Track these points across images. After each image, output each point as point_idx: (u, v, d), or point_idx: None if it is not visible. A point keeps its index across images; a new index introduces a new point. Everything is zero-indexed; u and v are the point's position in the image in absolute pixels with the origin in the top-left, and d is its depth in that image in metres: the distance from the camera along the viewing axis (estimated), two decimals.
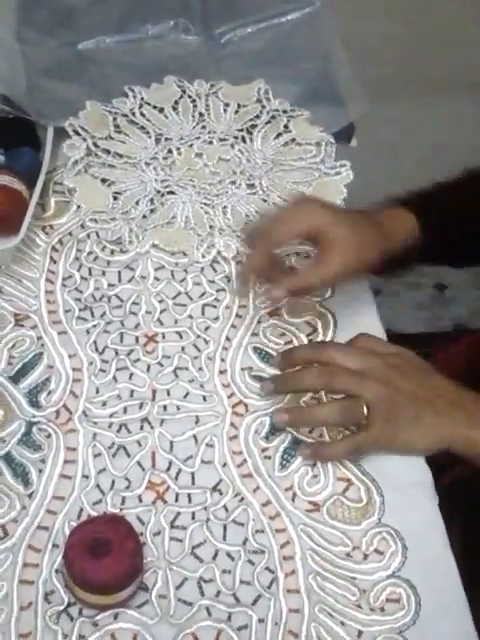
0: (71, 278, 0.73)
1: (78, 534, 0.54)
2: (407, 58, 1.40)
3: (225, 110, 0.89)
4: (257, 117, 0.89)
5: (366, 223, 0.68)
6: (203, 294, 0.73)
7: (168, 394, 0.66)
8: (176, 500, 0.60)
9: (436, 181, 0.76)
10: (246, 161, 0.84)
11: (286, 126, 0.88)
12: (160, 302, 0.72)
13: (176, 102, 0.90)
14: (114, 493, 0.60)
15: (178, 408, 0.65)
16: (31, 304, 0.71)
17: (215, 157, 0.84)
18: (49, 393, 0.65)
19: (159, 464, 0.62)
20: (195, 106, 0.90)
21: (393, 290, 1.67)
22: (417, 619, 0.55)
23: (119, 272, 0.74)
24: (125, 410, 0.65)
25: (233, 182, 0.82)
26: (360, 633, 0.54)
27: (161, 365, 0.68)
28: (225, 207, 0.80)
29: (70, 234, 0.77)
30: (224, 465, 0.62)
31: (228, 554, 0.58)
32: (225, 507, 0.60)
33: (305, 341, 0.70)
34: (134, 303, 0.72)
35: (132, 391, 0.66)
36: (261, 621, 0.55)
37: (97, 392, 0.66)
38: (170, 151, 0.85)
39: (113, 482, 0.61)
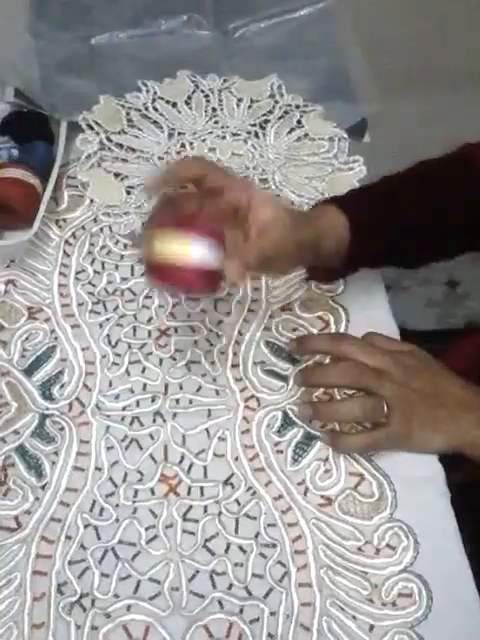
0: (84, 272, 0.74)
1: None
2: (420, 53, 1.40)
3: (238, 105, 0.89)
4: (270, 112, 0.89)
5: (291, 209, 0.66)
6: None
7: (181, 388, 0.66)
8: (188, 493, 0.60)
9: (384, 176, 0.71)
10: (259, 156, 0.84)
11: (299, 121, 0.88)
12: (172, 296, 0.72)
13: (189, 97, 0.90)
14: (127, 486, 0.60)
15: (191, 402, 0.65)
16: (44, 297, 0.72)
17: (228, 152, 0.84)
18: (62, 386, 0.66)
19: (171, 457, 0.62)
20: (208, 101, 0.90)
21: (405, 286, 1.67)
22: (429, 614, 0.55)
23: (132, 266, 0.74)
24: (138, 403, 0.65)
25: (246, 177, 0.82)
26: (372, 627, 0.55)
27: (174, 359, 0.68)
28: None
29: (83, 228, 0.77)
30: (236, 459, 0.62)
31: (240, 547, 0.58)
32: (237, 501, 0.60)
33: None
34: (147, 297, 0.72)
35: (145, 384, 0.66)
36: (273, 614, 0.55)
37: (110, 385, 0.66)
38: (183, 146, 0.85)
39: (126, 475, 0.61)
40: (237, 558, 0.57)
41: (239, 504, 0.60)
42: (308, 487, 0.61)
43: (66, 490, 0.60)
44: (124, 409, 0.65)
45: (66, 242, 0.76)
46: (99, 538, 0.58)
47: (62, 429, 0.63)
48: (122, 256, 0.75)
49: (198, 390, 0.66)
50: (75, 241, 0.76)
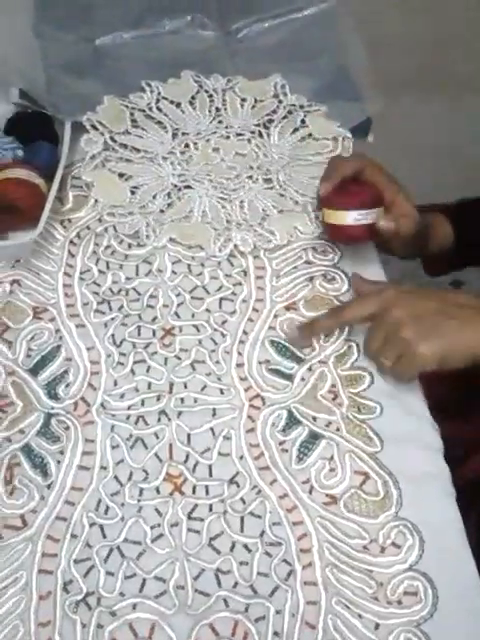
0: (89, 271, 0.74)
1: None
2: (423, 53, 1.40)
3: (242, 105, 0.90)
4: (274, 112, 0.89)
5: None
6: (220, 288, 0.73)
7: (185, 387, 0.66)
8: (193, 492, 0.60)
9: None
10: (263, 156, 0.84)
11: (303, 121, 0.88)
12: (177, 296, 0.72)
13: (193, 97, 0.90)
14: (132, 484, 0.60)
15: (195, 401, 0.65)
16: (49, 297, 0.72)
17: (232, 152, 0.84)
18: (67, 385, 0.66)
19: (176, 456, 0.62)
20: (212, 101, 0.90)
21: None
22: (434, 612, 0.55)
23: (136, 266, 0.75)
24: (143, 402, 0.65)
25: (250, 177, 0.82)
26: (377, 626, 0.55)
27: (178, 358, 0.68)
28: (242, 201, 0.80)
29: (88, 228, 0.77)
30: (241, 458, 0.62)
31: (245, 546, 0.58)
32: (242, 499, 0.60)
33: (322, 336, 0.70)
34: (151, 296, 0.72)
35: (150, 384, 0.66)
36: (278, 612, 0.55)
37: (115, 385, 0.66)
38: (187, 146, 0.85)
39: (131, 474, 0.61)
40: (242, 557, 0.57)
41: (244, 503, 0.60)
42: (313, 486, 0.61)
43: (71, 489, 0.60)
44: (129, 408, 0.65)
45: (71, 242, 0.76)
46: (104, 537, 0.58)
47: (67, 428, 0.63)
48: (126, 256, 0.75)
49: (203, 389, 0.66)
50: (80, 241, 0.76)
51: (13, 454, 0.62)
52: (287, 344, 0.69)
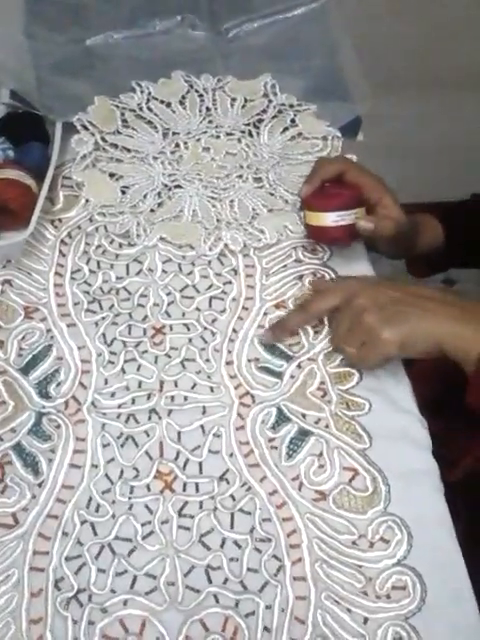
0: (80, 271, 0.74)
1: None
2: (414, 53, 1.40)
3: (232, 105, 0.90)
4: (264, 111, 0.89)
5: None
6: (210, 287, 0.74)
7: (176, 385, 0.67)
8: (184, 489, 0.61)
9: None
10: (253, 155, 0.85)
11: (293, 120, 0.89)
12: (168, 294, 0.73)
13: (183, 97, 0.90)
14: (123, 482, 0.61)
15: (185, 399, 0.66)
16: (40, 297, 0.72)
17: (222, 151, 0.85)
18: (58, 384, 0.66)
19: (167, 454, 0.63)
20: (202, 101, 0.90)
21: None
22: (423, 606, 0.55)
23: (127, 265, 0.75)
24: (133, 401, 0.65)
25: (240, 176, 0.83)
26: (366, 620, 0.55)
27: (169, 357, 0.68)
28: (232, 201, 0.80)
29: (79, 228, 0.78)
30: (231, 455, 0.63)
31: (235, 542, 0.58)
32: (232, 496, 0.60)
33: (311, 333, 0.70)
34: (142, 296, 0.73)
35: (140, 382, 0.67)
36: (268, 608, 0.55)
37: (106, 383, 0.66)
38: (177, 145, 0.85)
39: (122, 471, 0.61)
40: (232, 553, 0.58)
41: (234, 499, 0.60)
42: (302, 482, 0.61)
43: (63, 487, 0.60)
44: (120, 407, 0.65)
45: (62, 242, 0.76)
46: (95, 534, 0.58)
47: (58, 427, 0.64)
48: (117, 255, 0.76)
49: (193, 387, 0.67)
50: (71, 241, 0.77)
51: (4, 453, 0.62)
52: (276, 342, 0.70)
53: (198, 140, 0.86)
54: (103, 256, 0.76)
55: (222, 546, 0.58)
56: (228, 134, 0.87)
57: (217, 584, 0.56)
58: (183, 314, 0.72)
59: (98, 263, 0.75)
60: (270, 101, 0.91)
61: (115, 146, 0.84)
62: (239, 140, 0.86)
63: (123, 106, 0.88)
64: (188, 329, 0.70)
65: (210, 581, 0.57)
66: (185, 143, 0.85)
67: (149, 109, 0.88)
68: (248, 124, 0.88)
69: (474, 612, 0.56)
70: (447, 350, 0.61)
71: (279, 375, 0.67)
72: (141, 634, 0.54)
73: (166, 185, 0.81)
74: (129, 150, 0.84)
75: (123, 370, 0.67)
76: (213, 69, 0.94)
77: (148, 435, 0.63)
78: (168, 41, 0.96)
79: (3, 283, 0.73)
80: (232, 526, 0.59)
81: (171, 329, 0.70)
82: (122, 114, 0.87)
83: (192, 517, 0.59)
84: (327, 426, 0.64)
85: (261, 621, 0.55)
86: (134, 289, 0.73)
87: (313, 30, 0.97)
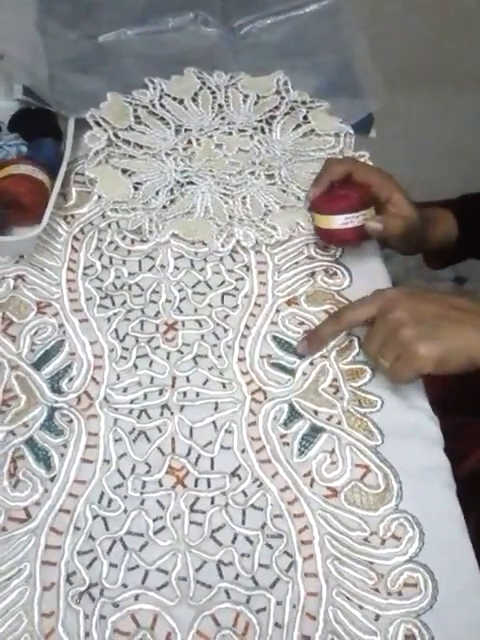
0: (92, 267, 0.74)
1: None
2: (426, 49, 1.40)
3: (244, 101, 0.90)
4: (276, 108, 0.89)
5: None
6: (222, 283, 0.74)
7: (188, 381, 0.67)
8: (195, 485, 0.61)
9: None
10: (265, 152, 0.85)
11: (305, 117, 0.89)
12: (180, 291, 0.73)
13: (196, 93, 0.90)
14: (135, 477, 0.61)
15: (198, 395, 0.66)
16: (53, 292, 0.72)
17: (234, 148, 0.85)
18: (71, 379, 0.66)
19: (179, 449, 0.63)
20: (215, 97, 0.90)
21: (412, 283, 1.67)
22: (434, 603, 0.55)
23: (139, 261, 0.75)
24: (145, 396, 0.66)
25: (252, 173, 0.83)
26: (377, 617, 0.55)
27: (181, 353, 0.68)
28: (244, 197, 0.80)
29: (91, 224, 0.78)
30: (243, 451, 0.63)
31: (247, 538, 0.58)
32: (244, 492, 0.61)
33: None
34: (154, 292, 0.73)
35: (152, 378, 0.67)
36: (279, 604, 0.55)
37: (118, 379, 0.67)
38: (190, 142, 0.85)
39: (134, 467, 0.62)
40: (244, 549, 0.58)
41: (246, 495, 0.60)
42: (314, 478, 0.61)
43: (75, 482, 0.61)
44: (132, 402, 0.65)
45: (74, 238, 0.77)
46: (107, 529, 0.58)
47: (71, 422, 0.64)
48: (129, 251, 0.76)
49: (205, 383, 0.67)
50: (83, 237, 0.77)
51: (17, 447, 0.62)
52: (288, 339, 0.69)
53: (210, 137, 0.86)
54: (115, 252, 0.76)
55: (234, 542, 0.58)
56: (240, 131, 0.87)
57: (228, 580, 0.56)
58: (195, 310, 0.72)
59: (110, 259, 0.75)
60: (282, 98, 0.91)
61: (128, 142, 0.84)
62: (251, 137, 0.86)
63: (136, 103, 0.88)
64: (200, 325, 0.70)
65: (221, 576, 0.57)
66: (197, 140, 0.85)
67: (162, 106, 0.88)
68: (260, 121, 0.88)
69: None
70: None
71: (291, 371, 0.67)
72: (152, 629, 0.54)
73: (178, 181, 0.81)
74: (142, 146, 0.84)
75: (135, 365, 0.67)
76: (226, 66, 0.93)
77: (160, 431, 0.64)
78: (180, 38, 0.96)
79: (16, 279, 0.73)
80: (244, 522, 0.59)
81: (183, 325, 0.70)
82: (135, 110, 0.87)
83: (204, 513, 0.59)
84: (339, 423, 0.64)
85: (272, 617, 0.55)
86: (146, 285, 0.73)
87: (326, 27, 0.97)
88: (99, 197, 0.79)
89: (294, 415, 0.65)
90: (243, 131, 0.87)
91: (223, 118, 0.88)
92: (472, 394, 0.82)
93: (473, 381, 0.75)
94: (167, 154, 0.84)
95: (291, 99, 0.90)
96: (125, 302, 0.72)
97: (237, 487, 0.61)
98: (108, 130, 0.84)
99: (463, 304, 0.63)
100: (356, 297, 0.72)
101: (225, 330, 0.70)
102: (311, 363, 0.68)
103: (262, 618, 0.55)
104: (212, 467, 0.62)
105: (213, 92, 0.91)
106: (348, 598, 0.56)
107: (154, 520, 0.59)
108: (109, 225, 0.78)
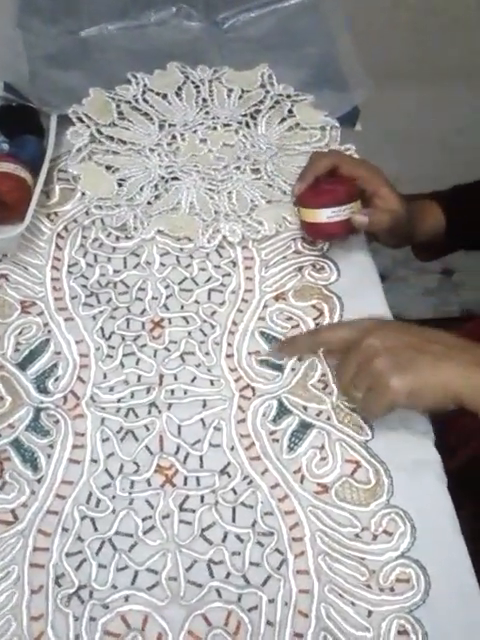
0: (77, 265, 0.74)
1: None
2: (411, 42, 1.40)
3: (229, 95, 0.89)
4: (261, 102, 0.89)
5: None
6: (209, 279, 0.73)
7: (175, 379, 0.66)
8: (185, 483, 0.60)
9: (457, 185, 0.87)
10: (250, 146, 0.84)
11: (290, 111, 0.88)
12: (166, 288, 0.72)
13: (179, 88, 0.89)
14: (123, 477, 0.60)
15: (185, 392, 0.65)
16: (37, 291, 0.71)
17: (219, 143, 0.84)
18: (56, 379, 0.66)
19: (167, 448, 0.62)
20: (199, 92, 0.89)
21: (400, 275, 1.67)
22: (426, 598, 0.55)
23: (125, 258, 0.74)
24: (132, 395, 0.65)
25: (238, 167, 0.82)
26: (370, 613, 0.55)
27: (168, 350, 0.68)
28: (230, 192, 0.79)
29: (75, 221, 0.77)
30: (232, 448, 0.62)
31: (237, 536, 0.58)
32: (234, 490, 0.60)
33: (312, 325, 0.70)
34: (140, 289, 0.72)
35: (139, 376, 0.66)
36: (271, 602, 0.55)
37: (104, 377, 0.66)
38: (174, 137, 0.84)
39: (122, 466, 0.61)
40: (234, 547, 0.57)
41: (236, 493, 0.60)
42: (304, 475, 0.61)
43: (62, 483, 0.60)
44: (119, 401, 0.64)
45: (58, 235, 0.76)
46: (96, 530, 0.58)
47: (57, 422, 0.63)
48: (114, 248, 0.75)
49: (193, 381, 0.66)
50: (67, 234, 0.76)
51: (3, 449, 0.61)
52: (276, 334, 0.69)
53: (195, 132, 0.85)
54: (100, 249, 0.75)
55: (224, 540, 0.58)
56: (225, 125, 0.86)
57: (219, 578, 0.56)
58: (182, 307, 0.71)
59: (95, 257, 0.74)
60: (267, 92, 0.90)
61: (111, 138, 0.83)
62: (236, 131, 0.85)
63: (119, 98, 0.87)
64: (187, 322, 0.70)
65: (212, 576, 0.56)
66: (182, 135, 0.85)
67: (145, 101, 0.87)
68: (245, 115, 0.87)
69: (477, 604, 0.55)
70: (466, 402, 0.56)
71: (280, 367, 0.67)
72: (143, 630, 0.54)
73: (163, 177, 0.80)
74: (125, 142, 0.83)
75: (122, 364, 0.67)
76: (209, 60, 0.93)
77: (148, 429, 0.63)
78: (163, 32, 0.95)
79: None
80: (234, 520, 0.59)
81: (170, 322, 0.70)
82: (118, 106, 0.86)
83: (193, 511, 0.59)
84: (328, 418, 0.64)
85: (264, 615, 0.54)
86: (132, 282, 0.72)
87: (310, 20, 0.96)
88: (83, 194, 0.78)
89: (283, 411, 0.64)
90: (228, 125, 0.86)
91: (207, 113, 0.87)
92: None
93: None
94: (151, 150, 0.83)
95: (276, 93, 0.90)
96: (111, 300, 0.71)
97: (227, 485, 0.60)
98: (91, 126, 0.83)
99: (444, 338, 0.60)
100: (344, 293, 0.72)
101: (212, 327, 0.70)
102: (299, 359, 0.67)
103: (254, 617, 0.54)
104: (201, 465, 0.61)
105: (197, 86, 0.90)
106: (340, 595, 0.55)
107: (143, 520, 0.58)
108: (93, 222, 0.77)
